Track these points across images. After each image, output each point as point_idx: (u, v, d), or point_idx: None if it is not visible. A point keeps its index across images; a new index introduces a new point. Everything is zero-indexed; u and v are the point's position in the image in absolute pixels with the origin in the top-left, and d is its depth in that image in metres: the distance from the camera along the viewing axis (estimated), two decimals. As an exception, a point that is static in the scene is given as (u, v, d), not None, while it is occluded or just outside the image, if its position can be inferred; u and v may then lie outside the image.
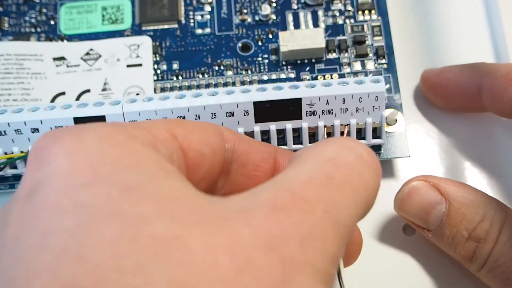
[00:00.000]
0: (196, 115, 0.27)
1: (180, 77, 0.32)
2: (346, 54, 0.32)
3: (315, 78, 0.31)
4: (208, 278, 0.15)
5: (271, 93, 0.27)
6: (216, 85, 0.31)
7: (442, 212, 0.26)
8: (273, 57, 0.32)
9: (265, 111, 0.27)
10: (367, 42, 0.32)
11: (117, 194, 0.16)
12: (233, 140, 0.23)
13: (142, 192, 0.16)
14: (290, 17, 0.33)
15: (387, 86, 0.31)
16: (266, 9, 0.33)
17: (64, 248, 0.15)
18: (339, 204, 0.18)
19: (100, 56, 0.32)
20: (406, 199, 0.27)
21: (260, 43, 0.32)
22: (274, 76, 0.32)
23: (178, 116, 0.27)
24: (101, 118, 0.27)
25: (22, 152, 0.28)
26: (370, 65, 0.31)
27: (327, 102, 0.27)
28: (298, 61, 0.32)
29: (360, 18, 0.33)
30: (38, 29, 0.33)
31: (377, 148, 0.29)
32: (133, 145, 0.18)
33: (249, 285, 0.15)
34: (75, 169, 0.17)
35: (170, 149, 0.19)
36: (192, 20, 0.33)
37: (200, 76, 0.32)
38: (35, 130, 0.27)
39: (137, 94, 0.31)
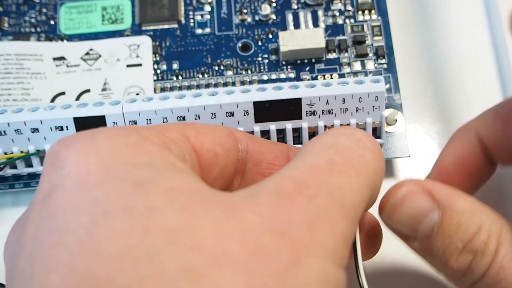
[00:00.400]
0: (196, 115, 0.27)
1: (180, 77, 0.32)
2: (346, 54, 0.32)
3: (315, 78, 0.31)
4: (219, 263, 0.15)
5: (271, 93, 0.27)
6: (216, 85, 0.31)
7: (434, 221, 0.23)
8: (273, 57, 0.32)
9: (265, 111, 0.27)
10: (367, 42, 0.32)
11: (129, 189, 0.17)
12: (245, 140, 0.23)
13: (153, 185, 0.17)
14: (290, 17, 0.33)
15: (387, 86, 0.31)
16: (266, 9, 0.33)
17: (78, 243, 0.16)
18: (343, 187, 0.18)
19: (100, 56, 0.32)
20: (397, 206, 0.23)
21: (260, 43, 0.32)
22: (274, 76, 0.32)
23: (178, 116, 0.27)
24: (101, 118, 0.27)
25: (22, 152, 0.28)
26: (370, 65, 0.31)
27: (327, 102, 0.27)
28: (298, 61, 0.32)
29: (360, 18, 0.33)
30: (38, 29, 0.33)
31: (377, 148, 0.29)
32: (145, 145, 0.18)
33: (260, 268, 0.16)
34: (88, 169, 0.17)
35: (183, 149, 0.20)
36: (192, 20, 0.33)
37: (200, 76, 0.32)
38: (35, 130, 0.27)
39: (137, 94, 0.31)
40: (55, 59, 0.32)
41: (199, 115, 0.27)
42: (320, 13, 0.33)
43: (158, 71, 0.32)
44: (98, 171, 0.17)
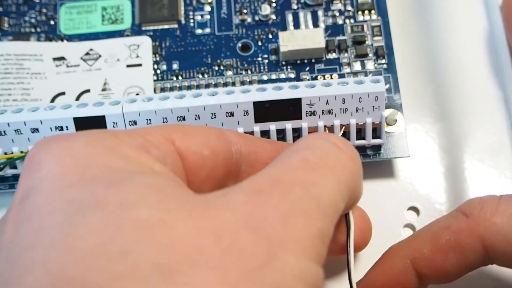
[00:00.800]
0: (196, 115, 0.27)
1: (180, 77, 0.32)
2: (346, 54, 0.32)
3: (315, 78, 0.31)
4: (193, 260, 0.15)
5: (271, 93, 0.27)
6: (216, 85, 0.31)
7: None
8: (273, 57, 0.32)
9: (265, 111, 0.27)
10: (367, 42, 0.32)
11: (102, 188, 0.17)
12: (239, 142, 0.23)
13: (127, 182, 0.17)
14: (290, 17, 0.33)
15: (387, 86, 0.31)
16: (266, 9, 0.33)
17: (52, 242, 0.16)
18: (318, 184, 0.18)
19: (100, 56, 0.32)
20: None
21: (260, 43, 0.32)
22: (274, 76, 0.32)
23: (178, 116, 0.27)
24: (101, 118, 0.27)
25: (22, 152, 0.28)
26: (370, 65, 0.31)
27: (327, 102, 0.27)
28: (298, 61, 0.32)
29: (360, 18, 0.33)
30: (38, 29, 0.33)
31: (377, 148, 0.29)
32: (122, 149, 0.18)
33: (234, 265, 0.15)
34: (63, 172, 0.17)
35: (164, 152, 0.20)
36: (192, 20, 0.33)
37: (200, 76, 0.32)
38: (35, 130, 0.27)
39: (137, 94, 0.31)
40: (55, 59, 0.32)
41: (199, 115, 0.27)
42: (320, 13, 0.33)
43: (158, 71, 0.32)
44: (74, 173, 0.17)
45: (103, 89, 0.31)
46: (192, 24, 0.33)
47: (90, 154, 0.18)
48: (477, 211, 0.24)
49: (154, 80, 0.32)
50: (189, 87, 0.32)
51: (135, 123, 0.27)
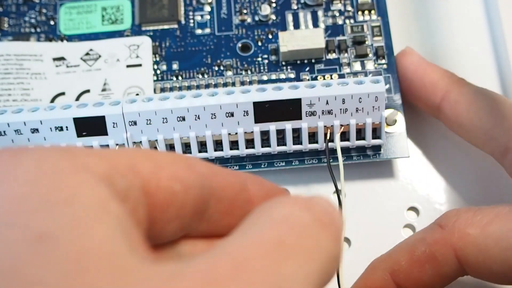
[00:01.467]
0: (196, 115, 0.27)
1: (180, 77, 0.32)
2: (346, 55, 0.32)
3: (315, 79, 0.31)
4: None
5: (271, 93, 0.27)
6: (216, 86, 0.31)
7: None
8: (273, 57, 0.32)
9: (264, 111, 0.27)
10: (367, 42, 0.32)
11: (27, 244, 0.14)
12: (208, 174, 0.19)
13: (56, 244, 0.14)
14: (290, 17, 0.33)
15: (387, 86, 0.31)
16: (266, 9, 0.33)
17: None
18: (289, 276, 0.15)
19: (99, 56, 0.32)
20: None
21: (260, 43, 0.32)
22: (274, 77, 0.32)
23: (177, 117, 0.27)
24: (101, 119, 0.27)
25: (22, 152, 0.28)
26: (370, 65, 0.31)
27: (327, 102, 0.27)
28: (298, 61, 0.32)
29: (360, 18, 0.33)
30: (38, 29, 0.33)
31: (377, 148, 0.29)
32: (75, 175, 0.15)
33: None
34: None
35: (128, 184, 0.17)
36: (192, 20, 0.33)
37: (200, 76, 0.32)
38: (35, 130, 0.27)
39: (137, 94, 0.31)
40: (55, 59, 0.32)
41: (198, 116, 0.27)
42: (320, 13, 0.33)
43: (158, 72, 0.32)
44: (8, 208, 0.14)
45: (103, 89, 0.31)
46: (192, 24, 0.33)
47: (35, 180, 0.15)
48: (451, 223, 0.24)
49: (154, 80, 0.32)
50: (189, 87, 0.32)
51: (135, 123, 0.27)
